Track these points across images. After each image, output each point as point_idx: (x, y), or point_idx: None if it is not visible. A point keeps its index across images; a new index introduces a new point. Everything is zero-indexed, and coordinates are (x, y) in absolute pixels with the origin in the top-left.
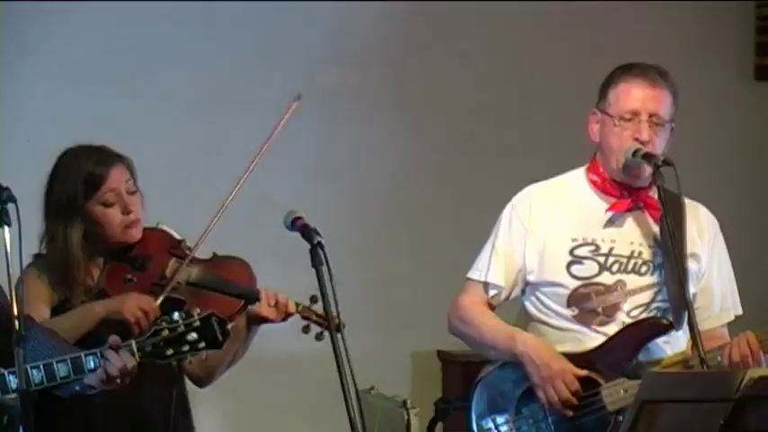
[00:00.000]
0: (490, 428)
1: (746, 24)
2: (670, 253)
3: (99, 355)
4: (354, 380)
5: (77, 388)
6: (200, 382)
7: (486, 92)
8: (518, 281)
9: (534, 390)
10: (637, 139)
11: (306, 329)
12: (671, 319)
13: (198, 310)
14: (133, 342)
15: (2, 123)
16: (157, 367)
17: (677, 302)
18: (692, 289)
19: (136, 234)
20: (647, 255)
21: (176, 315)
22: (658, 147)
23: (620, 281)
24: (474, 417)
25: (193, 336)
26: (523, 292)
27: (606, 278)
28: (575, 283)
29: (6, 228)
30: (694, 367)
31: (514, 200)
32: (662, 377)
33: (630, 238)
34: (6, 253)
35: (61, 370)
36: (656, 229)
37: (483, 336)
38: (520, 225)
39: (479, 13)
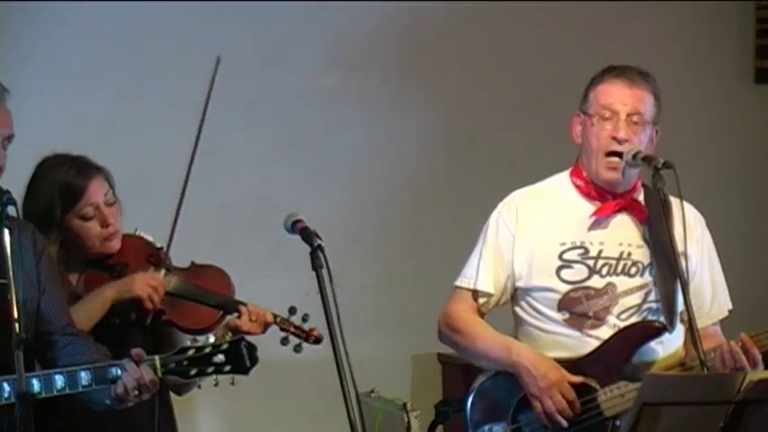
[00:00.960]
0: None
1: (747, 27)
2: (668, 254)
3: (123, 367)
4: (355, 382)
5: (108, 402)
6: (179, 391)
7: (487, 94)
8: (507, 287)
9: (530, 401)
10: (615, 138)
11: (284, 341)
12: (663, 321)
13: (230, 334)
14: (157, 357)
15: None
16: None
17: (670, 303)
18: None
19: (115, 245)
20: (635, 256)
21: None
22: (638, 146)
23: (610, 283)
24: (470, 426)
25: (220, 358)
26: (513, 297)
27: (596, 281)
28: (565, 288)
29: (6, 230)
30: (694, 369)
31: (500, 206)
32: (662, 380)
33: (619, 239)
34: (7, 255)
35: (83, 378)
36: (642, 229)
37: (476, 345)
38: (507, 231)
39: (480, 15)
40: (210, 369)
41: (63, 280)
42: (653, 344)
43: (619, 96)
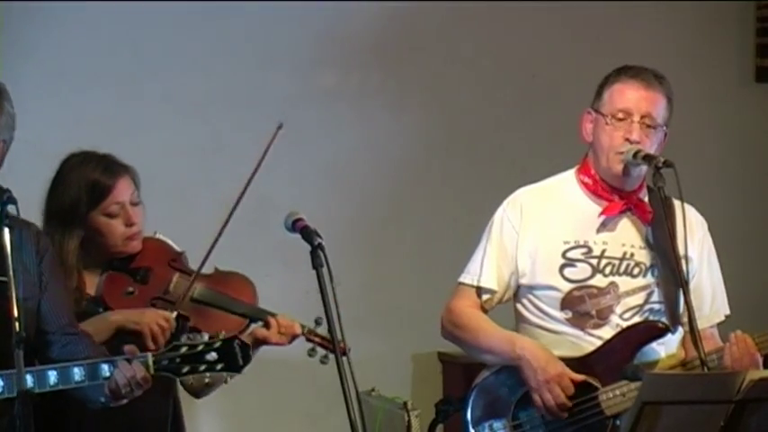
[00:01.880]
0: None
1: (747, 26)
2: (669, 255)
3: (115, 363)
4: (355, 381)
5: (102, 399)
6: (197, 394)
7: (486, 93)
8: (510, 284)
9: (531, 394)
10: (627, 140)
11: (311, 353)
12: (666, 321)
13: (223, 333)
14: (149, 355)
15: None
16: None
17: (673, 304)
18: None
19: (137, 245)
20: (638, 256)
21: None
22: (649, 149)
23: (612, 283)
24: (470, 423)
25: (213, 356)
26: (515, 295)
27: (599, 281)
28: (568, 286)
29: (7, 229)
30: (695, 369)
31: (505, 203)
32: (662, 379)
33: (622, 239)
34: (7, 254)
35: (77, 374)
36: (646, 230)
37: (479, 340)
38: (511, 228)
39: (479, 14)
40: (203, 367)
41: (78, 279)
42: (654, 344)
43: (634, 98)
